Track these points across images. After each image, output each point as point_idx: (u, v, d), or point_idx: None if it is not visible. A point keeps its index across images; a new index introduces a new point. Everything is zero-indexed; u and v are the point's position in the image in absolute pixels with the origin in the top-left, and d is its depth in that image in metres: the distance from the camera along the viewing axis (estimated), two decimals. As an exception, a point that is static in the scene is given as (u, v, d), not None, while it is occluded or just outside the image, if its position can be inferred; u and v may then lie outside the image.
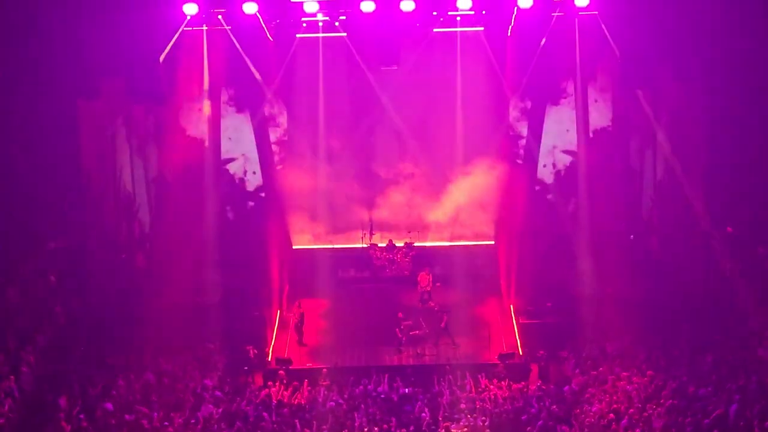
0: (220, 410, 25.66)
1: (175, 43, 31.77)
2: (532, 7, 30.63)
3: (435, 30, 33.83)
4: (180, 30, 31.35)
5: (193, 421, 24.94)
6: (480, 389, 27.32)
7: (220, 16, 29.43)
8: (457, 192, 36.18)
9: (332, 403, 26.28)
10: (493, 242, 36.41)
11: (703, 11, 29.41)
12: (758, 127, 31.87)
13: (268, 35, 33.14)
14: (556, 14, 32.06)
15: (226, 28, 32.60)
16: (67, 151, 31.23)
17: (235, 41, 33.03)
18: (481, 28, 33.81)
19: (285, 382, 28.07)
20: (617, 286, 32.01)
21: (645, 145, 34.67)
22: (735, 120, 31.98)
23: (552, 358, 29.22)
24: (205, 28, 30.88)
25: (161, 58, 30.95)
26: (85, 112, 30.40)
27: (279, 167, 36.28)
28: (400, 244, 35.87)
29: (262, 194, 36.22)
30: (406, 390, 27.19)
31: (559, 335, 30.19)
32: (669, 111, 33.04)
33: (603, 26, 31.85)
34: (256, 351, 29.67)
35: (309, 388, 27.60)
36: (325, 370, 28.61)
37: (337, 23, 30.83)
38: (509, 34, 33.04)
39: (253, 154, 36.38)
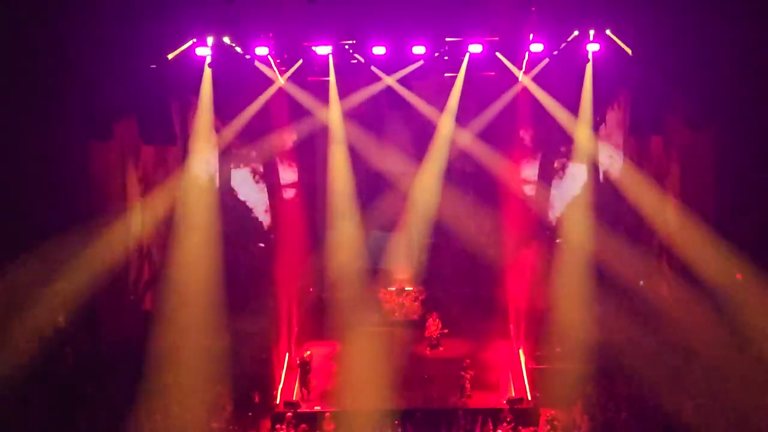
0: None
1: (187, 84, 31.92)
2: (543, 52, 30.53)
3: (446, 75, 33.91)
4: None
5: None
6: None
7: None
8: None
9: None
10: (503, 287, 36.43)
11: (716, 58, 29.46)
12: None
13: (280, 78, 33.26)
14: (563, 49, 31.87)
15: (238, 69, 32.77)
16: (77, 190, 31.29)
17: (245, 82, 33.25)
18: (492, 73, 33.87)
19: (293, 425, 27.98)
20: (626, 332, 31.93)
21: (655, 192, 34.65)
22: (746, 167, 31.99)
23: (561, 404, 29.12)
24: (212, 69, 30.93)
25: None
26: (97, 152, 30.51)
27: (288, 208, 36.33)
28: (409, 288, 35.86)
29: (272, 236, 36.25)
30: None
31: (569, 380, 30.12)
32: (679, 158, 33.00)
33: (613, 72, 31.91)
34: (259, 396, 29.57)
35: (317, 431, 27.55)
36: (331, 413, 28.49)
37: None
38: (520, 79, 33.05)
39: (263, 196, 36.50)
